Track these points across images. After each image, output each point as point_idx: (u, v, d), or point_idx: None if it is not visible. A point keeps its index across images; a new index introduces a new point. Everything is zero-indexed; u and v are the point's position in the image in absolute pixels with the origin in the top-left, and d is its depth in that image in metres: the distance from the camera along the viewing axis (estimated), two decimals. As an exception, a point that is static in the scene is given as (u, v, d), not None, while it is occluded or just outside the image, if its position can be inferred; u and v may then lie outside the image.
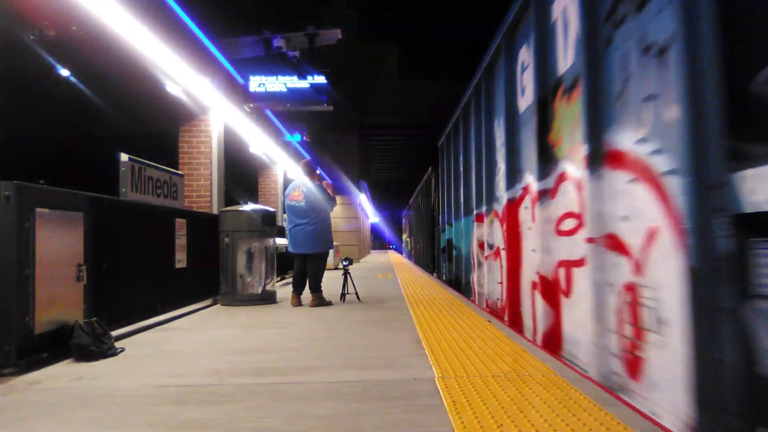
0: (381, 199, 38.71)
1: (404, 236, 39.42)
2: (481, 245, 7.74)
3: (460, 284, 9.90)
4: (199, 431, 2.33)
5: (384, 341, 4.39)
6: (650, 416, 2.46)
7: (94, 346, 3.93)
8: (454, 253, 10.73)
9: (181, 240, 6.27)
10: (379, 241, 43.33)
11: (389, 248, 43.65)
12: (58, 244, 3.99)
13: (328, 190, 7.20)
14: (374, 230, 40.78)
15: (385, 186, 36.83)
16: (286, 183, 7.09)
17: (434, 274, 14.30)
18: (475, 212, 8.18)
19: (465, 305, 6.65)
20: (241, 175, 13.86)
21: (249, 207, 7.38)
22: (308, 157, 8.78)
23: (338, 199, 17.58)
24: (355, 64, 20.28)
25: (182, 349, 4.30)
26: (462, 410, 2.50)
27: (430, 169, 15.02)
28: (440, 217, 12.45)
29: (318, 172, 7.34)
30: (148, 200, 6.07)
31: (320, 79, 11.72)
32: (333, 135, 21.12)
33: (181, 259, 6.27)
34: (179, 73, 7.56)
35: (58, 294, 3.97)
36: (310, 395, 2.86)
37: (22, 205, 3.59)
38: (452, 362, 3.50)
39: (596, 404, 2.54)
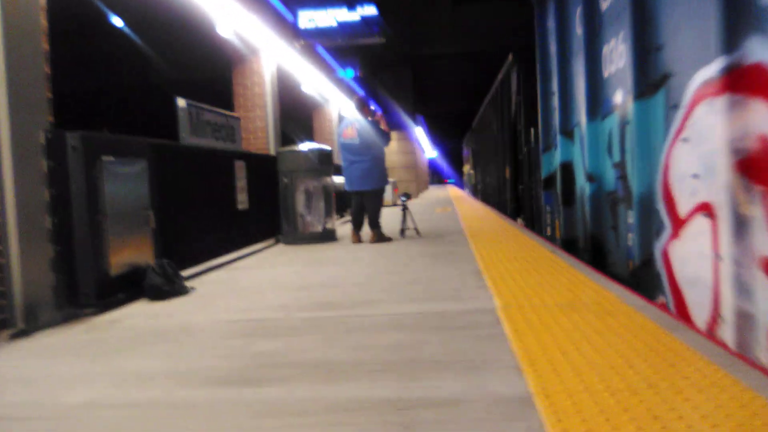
0: (439, 133, 38.06)
1: (466, 168, 35.55)
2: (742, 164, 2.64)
3: (602, 252, 4.97)
4: (270, 360, 2.43)
5: (445, 274, 4.41)
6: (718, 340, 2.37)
7: (166, 286, 4.11)
8: (580, 189, 5.70)
9: (241, 182, 6.39)
10: (437, 176, 42.88)
11: (447, 183, 42.93)
12: (125, 190, 4.13)
13: (382, 124, 7.14)
14: (432, 165, 40.44)
15: (443, 118, 36.13)
16: (340, 120, 7.03)
17: (518, 220, 10.02)
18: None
19: (524, 235, 6.58)
20: (296, 114, 13.91)
21: (305, 146, 7.43)
22: (361, 93, 8.70)
23: (393, 134, 17.45)
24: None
25: (249, 286, 4.44)
26: (524, 338, 2.50)
27: (510, 57, 9.86)
28: (539, 130, 7.51)
29: (371, 107, 7.26)
30: (207, 144, 6.18)
31: (370, 10, 11.43)
32: (386, 69, 20.78)
33: (242, 201, 6.41)
34: (228, 13, 7.53)
35: (128, 238, 4.14)
36: (373, 327, 2.92)
37: (88, 154, 3.71)
38: (514, 293, 3.49)
39: (662, 329, 2.49)
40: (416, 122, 25.98)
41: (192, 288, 4.32)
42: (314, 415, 1.83)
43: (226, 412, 1.91)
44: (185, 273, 4.73)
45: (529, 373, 2.04)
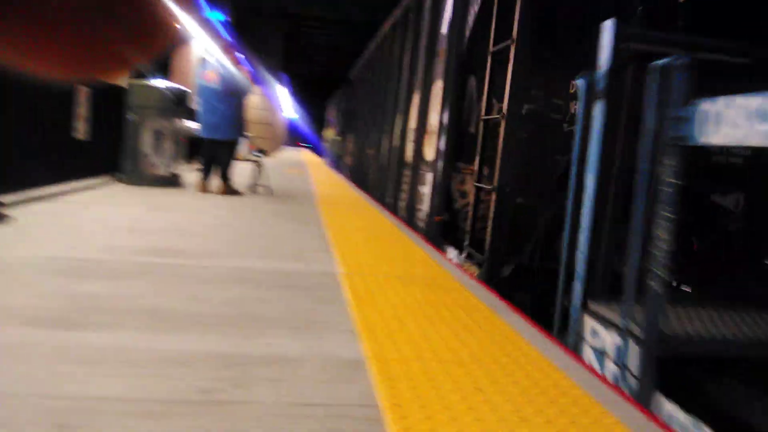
0: (304, 96, 37.42)
1: (330, 133, 27.26)
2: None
3: None
4: (95, 303, 2.25)
5: (292, 234, 4.38)
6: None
7: (-22, 211, 3.67)
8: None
9: (82, 109, 5.84)
10: (296, 139, 42.28)
11: (304, 146, 42.35)
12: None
13: (246, 75, 6.87)
14: (291, 127, 39.85)
15: (308, 81, 35.55)
16: (202, 63, 6.63)
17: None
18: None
19: (373, 206, 6.71)
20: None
21: (160, 83, 6.94)
22: (228, 39, 8.29)
23: (256, 89, 16.87)
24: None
25: (79, 223, 4.10)
26: (363, 305, 2.54)
27: None
28: None
29: (238, 56, 6.95)
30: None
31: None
32: (257, 20, 20.01)
33: (82, 130, 5.87)
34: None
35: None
36: (212, 279, 2.82)
37: None
38: (358, 260, 3.54)
39: (490, 309, 2.67)
40: (280, 81, 25.39)
41: (10, 217, 3.88)
42: (141, 365, 1.73)
43: (46, 356, 1.74)
44: (7, 199, 4.24)
45: (366, 339, 2.08)
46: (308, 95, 37.63)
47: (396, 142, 8.38)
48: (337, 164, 17.96)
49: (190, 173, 8.34)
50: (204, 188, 6.75)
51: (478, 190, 4.80)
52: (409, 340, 2.11)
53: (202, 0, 13.24)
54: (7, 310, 2.10)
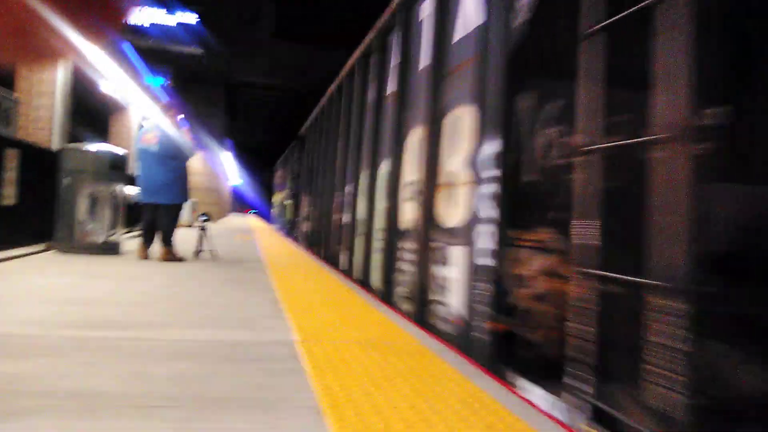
0: (248, 162, 37.18)
1: (278, 197, 25.11)
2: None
3: None
4: (11, 386, 1.92)
5: (240, 301, 4.08)
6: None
7: None
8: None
9: (10, 173, 5.47)
10: (240, 205, 41.67)
11: (249, 212, 41.72)
12: None
13: (187, 137, 6.65)
14: (236, 193, 39.38)
15: (252, 148, 35.44)
16: (140, 126, 6.37)
17: None
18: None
19: (324, 269, 6.46)
20: (91, 114, 12.61)
21: (97, 146, 6.63)
22: (168, 99, 8.09)
23: (199, 154, 16.51)
24: (230, 11, 19.16)
25: (5, 293, 3.71)
26: (324, 375, 2.29)
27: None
28: None
29: (177, 116, 6.72)
30: (-28, 124, 5.21)
31: (190, 18, 10.82)
32: (199, 87, 19.93)
33: (9, 195, 5.48)
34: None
35: None
36: (152, 353, 2.51)
37: None
38: (314, 326, 3.28)
39: (461, 374, 2.45)
40: (224, 147, 25.20)
41: None
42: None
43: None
44: None
45: (331, 416, 1.83)
46: (253, 160, 37.50)
47: (381, 201, 5.55)
48: (289, 231, 15.95)
49: (130, 240, 7.94)
50: (145, 255, 6.38)
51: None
52: (379, 416, 1.86)
53: (142, 66, 13.07)
54: None
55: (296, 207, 14.45)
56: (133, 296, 4.03)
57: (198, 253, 6.99)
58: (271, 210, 31.45)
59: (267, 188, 36.28)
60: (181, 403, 1.90)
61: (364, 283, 5.82)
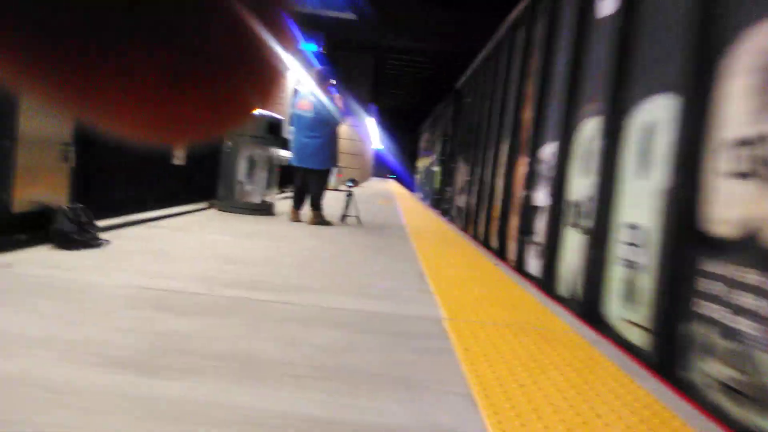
0: (391, 127, 37.65)
1: (422, 163, 22.95)
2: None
3: None
4: (178, 344, 2.04)
5: (387, 271, 4.11)
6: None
7: (77, 234, 3.62)
8: None
9: (181, 135, 5.88)
10: (382, 169, 42.47)
11: (390, 177, 42.45)
12: (45, 117, 3.61)
13: (338, 105, 6.77)
14: (378, 157, 40.15)
15: (396, 112, 35.80)
16: (295, 92, 6.61)
17: None
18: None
19: (468, 243, 6.36)
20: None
21: (257, 112, 6.96)
22: (322, 68, 8.28)
23: (347, 120, 16.93)
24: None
25: (171, 249, 4.00)
26: (476, 360, 2.21)
27: None
28: None
29: (331, 84, 6.86)
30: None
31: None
32: (349, 52, 20.31)
33: (179, 156, 5.91)
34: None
35: (41, 174, 3.63)
36: (306, 319, 2.57)
37: None
38: (461, 304, 3.21)
39: (623, 372, 2.27)
40: (369, 111, 25.63)
41: (107, 241, 3.84)
42: (220, 426, 1.48)
43: (108, 406, 1.52)
44: (103, 223, 4.23)
45: (486, 408, 1.75)
46: (396, 125, 37.88)
47: (642, 174, 3.03)
48: (436, 203, 13.67)
49: (282, 202, 8.32)
50: (296, 217, 6.65)
51: None
52: (536, 413, 1.76)
53: (298, 32, 13.49)
54: (83, 346, 1.92)
55: (446, 175, 12.25)
56: (287, 258, 4.19)
57: (344, 217, 7.18)
58: (414, 177, 29.70)
59: (409, 154, 36.52)
60: (332, 374, 1.92)
61: (583, 309, 3.43)
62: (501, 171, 6.45)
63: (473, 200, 8.33)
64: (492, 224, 6.73)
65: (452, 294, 3.43)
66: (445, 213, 11.57)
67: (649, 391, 2.07)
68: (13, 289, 2.55)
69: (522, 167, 5.46)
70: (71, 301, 2.43)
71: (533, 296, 3.68)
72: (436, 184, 14.50)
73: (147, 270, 3.23)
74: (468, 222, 8.64)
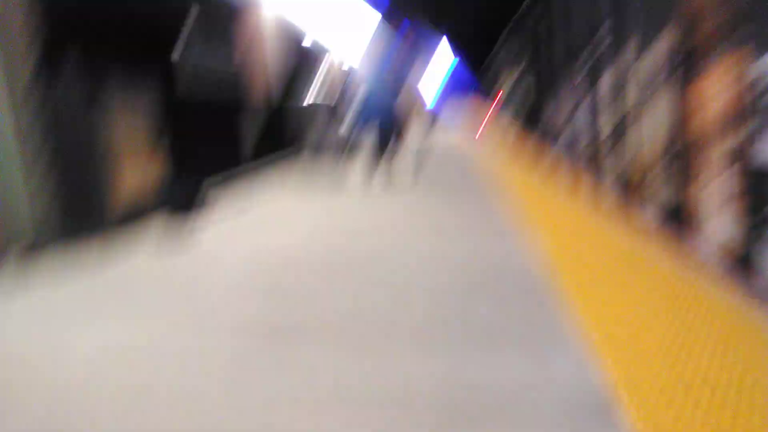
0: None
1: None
2: None
3: None
4: (310, 309, 2.13)
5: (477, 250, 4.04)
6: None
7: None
8: None
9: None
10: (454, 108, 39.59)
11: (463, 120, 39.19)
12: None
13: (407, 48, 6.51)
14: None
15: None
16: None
17: None
18: None
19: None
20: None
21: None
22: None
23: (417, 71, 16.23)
24: None
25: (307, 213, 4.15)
26: (591, 305, 2.16)
27: None
28: None
29: (398, 26, 6.55)
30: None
31: None
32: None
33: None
34: None
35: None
36: (417, 271, 2.60)
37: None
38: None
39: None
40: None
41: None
42: (358, 402, 1.54)
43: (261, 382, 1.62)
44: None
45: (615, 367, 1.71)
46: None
47: None
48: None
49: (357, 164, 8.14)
50: (372, 179, 6.41)
51: None
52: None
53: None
54: (234, 315, 2.03)
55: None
56: (376, 229, 3.93)
57: (415, 177, 6.83)
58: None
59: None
60: (449, 329, 1.94)
61: None
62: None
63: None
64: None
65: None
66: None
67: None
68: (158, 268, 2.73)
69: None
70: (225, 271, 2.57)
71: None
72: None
73: (285, 233, 3.37)
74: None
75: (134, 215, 3.65)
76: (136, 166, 3.73)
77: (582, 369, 1.67)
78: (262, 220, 4.11)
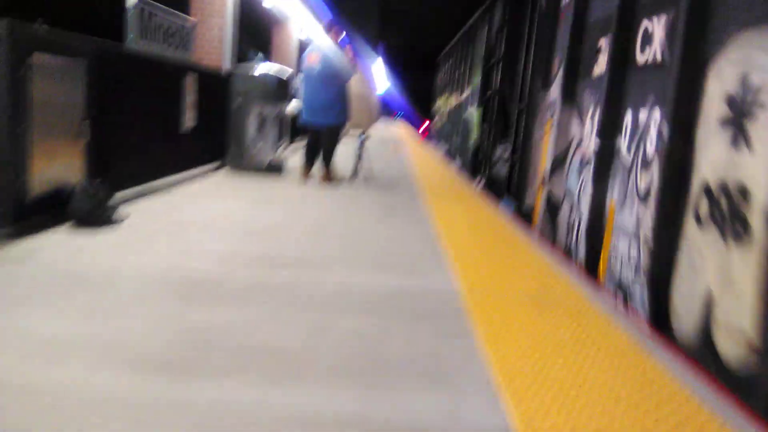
0: (399, 65, 36.61)
1: (444, 102, 17.49)
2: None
3: None
4: (205, 338, 2.11)
5: (401, 236, 4.15)
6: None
7: (95, 212, 3.66)
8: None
9: (191, 97, 5.83)
10: (389, 110, 41.89)
11: (396, 116, 41.92)
12: (58, 95, 3.60)
13: (348, 56, 6.65)
14: (385, 99, 39.56)
15: (407, 50, 34.77)
16: (303, 44, 6.45)
17: None
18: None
19: (483, 197, 6.37)
20: (254, 28, 13.02)
21: (265, 67, 6.86)
22: (329, 17, 8.10)
23: (356, 71, 16.57)
24: None
25: (189, 221, 4.06)
26: (498, 342, 2.27)
27: None
28: None
29: (339, 34, 6.70)
30: (158, 49, 5.56)
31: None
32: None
33: (190, 119, 5.88)
34: None
35: (56, 152, 3.64)
36: (328, 301, 2.62)
37: (17, 49, 3.16)
38: (479, 274, 3.25)
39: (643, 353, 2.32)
40: (377, 51, 25.15)
41: (125, 216, 3.88)
42: (254, 426, 1.55)
43: (145, 415, 1.59)
44: (121, 194, 4.27)
45: (511, 401, 1.81)
46: (404, 63, 36.81)
47: None
48: (473, 168, 9.47)
49: (292, 156, 8.31)
50: (307, 175, 6.65)
51: None
52: (561, 405, 1.81)
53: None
54: (117, 346, 1.98)
55: (496, 125, 7.73)
56: (302, 224, 4.25)
57: (356, 172, 7.16)
58: (428, 123, 23.10)
59: (417, 92, 35.05)
60: (356, 365, 1.97)
61: None
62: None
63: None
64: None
65: (469, 262, 3.46)
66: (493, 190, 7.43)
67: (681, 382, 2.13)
68: (42, 280, 2.61)
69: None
70: (99, 291, 2.49)
71: (555, 265, 3.71)
72: (473, 138, 10.01)
73: (166, 249, 3.28)
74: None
75: (44, 212, 3.49)
76: (54, 157, 3.56)
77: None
78: (182, 226, 4.03)
